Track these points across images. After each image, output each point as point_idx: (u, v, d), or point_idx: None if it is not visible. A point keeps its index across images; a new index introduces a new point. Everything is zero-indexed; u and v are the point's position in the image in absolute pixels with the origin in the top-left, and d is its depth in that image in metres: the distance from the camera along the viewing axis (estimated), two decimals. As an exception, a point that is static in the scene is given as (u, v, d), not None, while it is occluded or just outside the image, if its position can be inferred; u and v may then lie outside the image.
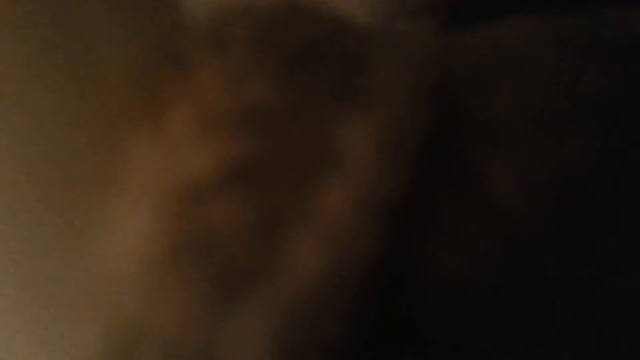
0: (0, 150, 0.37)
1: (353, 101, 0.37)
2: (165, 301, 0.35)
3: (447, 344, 0.36)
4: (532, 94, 0.38)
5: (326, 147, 0.36)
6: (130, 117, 0.38)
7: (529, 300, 0.36)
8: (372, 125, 0.36)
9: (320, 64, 0.38)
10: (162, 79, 0.38)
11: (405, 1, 0.44)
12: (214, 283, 0.35)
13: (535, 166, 0.37)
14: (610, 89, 0.38)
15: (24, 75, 0.37)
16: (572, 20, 0.40)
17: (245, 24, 0.39)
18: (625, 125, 0.37)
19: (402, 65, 0.38)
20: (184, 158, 0.36)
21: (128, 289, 0.36)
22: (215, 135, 0.36)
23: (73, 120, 0.38)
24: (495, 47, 0.40)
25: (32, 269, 0.38)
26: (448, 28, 0.40)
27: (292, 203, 0.36)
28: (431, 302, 0.36)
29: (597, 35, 0.39)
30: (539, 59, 0.39)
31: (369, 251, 0.35)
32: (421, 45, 0.39)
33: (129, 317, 0.36)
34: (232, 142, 0.36)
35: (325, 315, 0.35)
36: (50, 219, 0.38)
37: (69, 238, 0.38)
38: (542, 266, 0.36)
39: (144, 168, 0.37)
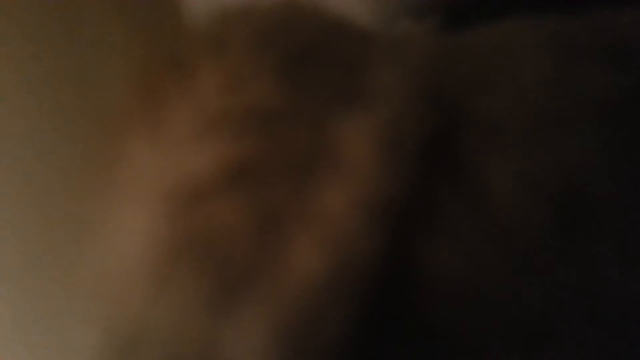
0: (0, 150, 0.37)
1: (353, 101, 0.37)
2: (166, 301, 0.35)
3: (447, 343, 0.36)
4: (532, 94, 0.38)
5: (326, 148, 0.36)
6: (130, 117, 0.38)
7: (529, 300, 0.36)
8: (372, 126, 0.36)
9: (320, 64, 0.38)
10: (162, 79, 0.38)
11: (405, 1, 0.44)
12: (214, 283, 0.35)
13: (534, 166, 0.37)
14: (609, 89, 0.38)
15: (24, 75, 0.38)
16: (571, 21, 0.40)
17: (245, 25, 0.39)
18: (624, 126, 0.37)
19: (402, 66, 0.38)
20: (184, 158, 0.36)
21: (128, 289, 0.36)
22: (215, 135, 0.36)
23: (73, 120, 0.38)
24: (495, 48, 0.40)
25: (32, 269, 0.38)
26: (448, 28, 0.40)
27: (292, 203, 0.36)
28: (431, 302, 0.36)
29: (596, 36, 0.39)
30: (539, 59, 0.39)
31: (369, 251, 0.35)
32: (421, 46, 0.39)
33: (130, 317, 0.36)
34: (232, 142, 0.36)
35: (325, 315, 0.35)
36: (50, 219, 0.38)
37: (69, 238, 0.38)
38: (541, 266, 0.36)
39: (144, 168, 0.37)
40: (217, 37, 0.39)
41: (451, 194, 0.37)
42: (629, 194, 0.36)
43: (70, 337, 0.37)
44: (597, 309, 0.36)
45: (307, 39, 0.38)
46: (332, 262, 0.35)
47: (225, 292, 0.35)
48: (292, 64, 0.37)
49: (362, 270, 0.35)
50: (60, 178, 0.38)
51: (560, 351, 0.36)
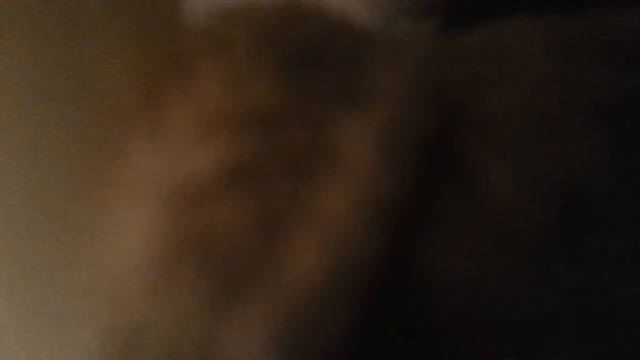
0: (1, 151, 0.37)
1: (353, 101, 0.37)
2: (166, 301, 0.35)
3: (447, 343, 0.36)
4: (532, 95, 0.38)
5: (326, 148, 0.36)
6: (130, 117, 0.38)
7: (529, 300, 0.36)
8: (372, 126, 0.36)
9: (320, 64, 0.38)
10: (162, 80, 0.38)
11: (405, 1, 0.44)
12: (215, 283, 0.35)
13: (534, 166, 0.37)
14: (609, 90, 0.38)
15: (24, 75, 0.38)
16: (571, 21, 0.40)
17: (246, 25, 0.39)
18: (624, 126, 0.37)
19: (402, 66, 0.38)
20: (185, 158, 0.36)
21: (129, 288, 0.36)
22: (216, 135, 0.36)
23: (74, 120, 0.38)
24: (495, 48, 0.40)
25: (33, 269, 0.38)
26: (448, 28, 0.40)
27: (292, 203, 0.36)
28: (431, 302, 0.36)
29: (597, 36, 0.39)
30: (539, 59, 0.39)
31: (369, 251, 0.35)
32: (421, 46, 0.39)
33: (130, 316, 0.36)
34: (232, 142, 0.36)
35: (325, 314, 0.35)
36: (50, 219, 0.38)
37: (70, 238, 0.38)
38: (541, 266, 0.36)
39: (145, 168, 0.37)
40: (217, 37, 0.39)
41: (451, 193, 0.37)
42: (629, 194, 0.36)
43: (70, 337, 0.37)
44: (597, 309, 0.36)
45: (307, 39, 0.38)
46: (332, 261, 0.35)
47: (226, 292, 0.35)
48: (293, 64, 0.37)
49: (362, 270, 0.35)
50: (61, 178, 0.38)
51: (561, 351, 0.36)
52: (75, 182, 0.38)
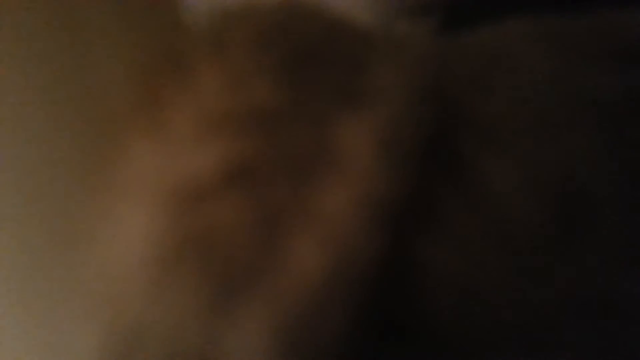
0: (1, 151, 0.37)
1: (353, 101, 0.37)
2: (166, 301, 0.35)
3: (447, 343, 0.36)
4: (532, 95, 0.38)
5: (326, 147, 0.36)
6: (131, 117, 0.38)
7: (529, 300, 0.36)
8: (372, 125, 0.36)
9: (320, 64, 0.38)
10: (162, 80, 0.38)
11: (405, 1, 0.44)
12: (215, 283, 0.35)
13: (535, 166, 0.37)
14: (609, 90, 0.38)
15: (24, 75, 0.38)
16: (571, 21, 0.40)
17: (245, 25, 0.39)
18: (625, 126, 0.37)
19: (402, 66, 0.38)
20: (185, 158, 0.36)
21: (129, 289, 0.36)
22: (216, 135, 0.36)
23: (74, 120, 0.38)
24: (495, 48, 0.40)
25: (33, 269, 0.38)
26: (448, 29, 0.40)
27: (292, 203, 0.36)
28: (431, 301, 0.36)
29: (596, 36, 0.39)
30: (539, 59, 0.39)
31: (369, 251, 0.35)
32: (421, 46, 0.39)
33: (130, 317, 0.36)
34: (233, 142, 0.36)
35: (326, 315, 0.35)
36: (50, 219, 0.38)
37: (70, 239, 0.38)
38: (542, 266, 0.36)
39: (145, 168, 0.37)
40: (217, 37, 0.39)
41: (451, 194, 0.37)
42: (629, 194, 0.36)
43: (70, 337, 0.37)
44: (598, 310, 0.36)
45: (308, 39, 0.38)
46: (333, 261, 0.35)
47: (226, 292, 0.35)
48: (293, 64, 0.37)
49: (362, 270, 0.35)
50: (61, 178, 0.38)
51: (561, 351, 0.36)
52: (76, 182, 0.38)
